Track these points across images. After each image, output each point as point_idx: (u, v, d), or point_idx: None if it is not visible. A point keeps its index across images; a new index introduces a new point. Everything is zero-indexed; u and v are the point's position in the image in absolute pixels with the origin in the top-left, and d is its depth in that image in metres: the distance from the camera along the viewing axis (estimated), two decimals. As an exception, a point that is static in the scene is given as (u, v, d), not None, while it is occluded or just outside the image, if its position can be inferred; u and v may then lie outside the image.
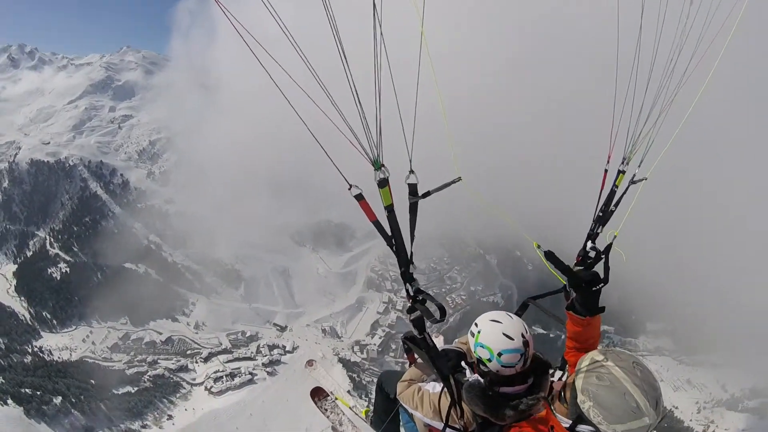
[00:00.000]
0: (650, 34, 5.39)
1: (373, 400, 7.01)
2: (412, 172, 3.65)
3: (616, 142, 5.56)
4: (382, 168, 3.48)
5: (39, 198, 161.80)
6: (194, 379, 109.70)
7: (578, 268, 5.14)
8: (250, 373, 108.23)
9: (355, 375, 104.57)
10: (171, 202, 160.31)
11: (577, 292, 4.77)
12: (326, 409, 9.21)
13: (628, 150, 5.60)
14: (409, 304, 3.93)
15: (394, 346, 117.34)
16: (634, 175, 5.69)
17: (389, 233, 3.69)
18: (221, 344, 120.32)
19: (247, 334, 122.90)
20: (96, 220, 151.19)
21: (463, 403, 4.10)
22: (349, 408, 8.91)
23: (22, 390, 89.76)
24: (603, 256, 5.06)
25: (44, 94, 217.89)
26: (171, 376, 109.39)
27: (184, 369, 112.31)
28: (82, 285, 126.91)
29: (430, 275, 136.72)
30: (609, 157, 5.61)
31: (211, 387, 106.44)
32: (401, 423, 5.94)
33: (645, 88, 5.46)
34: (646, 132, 5.54)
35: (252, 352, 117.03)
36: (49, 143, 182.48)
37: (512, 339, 3.75)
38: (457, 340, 4.89)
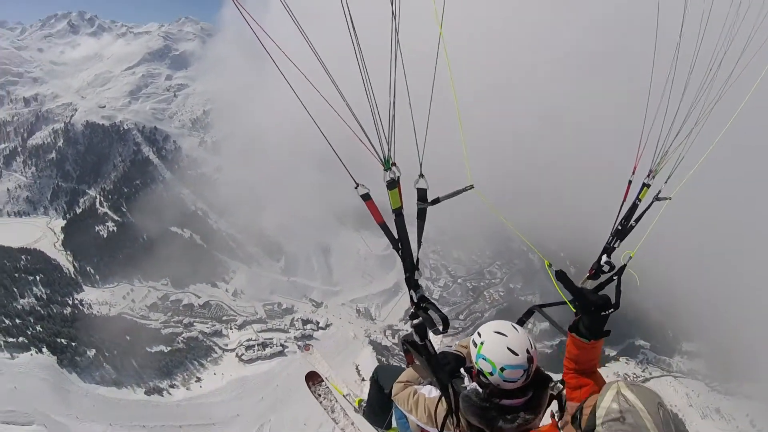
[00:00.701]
0: (692, 37, 5.27)
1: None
2: (421, 176, 3.58)
3: (644, 153, 5.34)
4: (393, 168, 3.40)
5: (92, 158, 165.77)
6: (227, 345, 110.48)
7: (589, 282, 5.08)
8: (282, 345, 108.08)
9: (384, 359, 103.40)
10: (220, 171, 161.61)
11: (584, 315, 4.48)
12: (319, 395, 9.37)
13: (656, 163, 5.37)
14: (412, 310, 3.82)
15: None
16: (660, 191, 5.47)
17: (396, 237, 3.58)
18: (257, 313, 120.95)
19: (283, 306, 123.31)
20: (146, 184, 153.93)
21: (459, 412, 3.97)
22: (343, 396, 8.96)
23: (58, 340, 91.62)
24: (615, 278, 4.92)
25: (102, 60, 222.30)
26: (204, 339, 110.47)
27: (218, 334, 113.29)
28: (128, 244, 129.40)
29: (470, 267, 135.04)
30: (634, 168, 5.42)
31: (242, 354, 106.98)
32: (395, 418, 5.84)
33: (680, 96, 5.21)
34: (678, 145, 5.29)
35: (286, 325, 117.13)
36: (105, 107, 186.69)
37: (516, 354, 3.60)
38: (457, 342, 4.83)
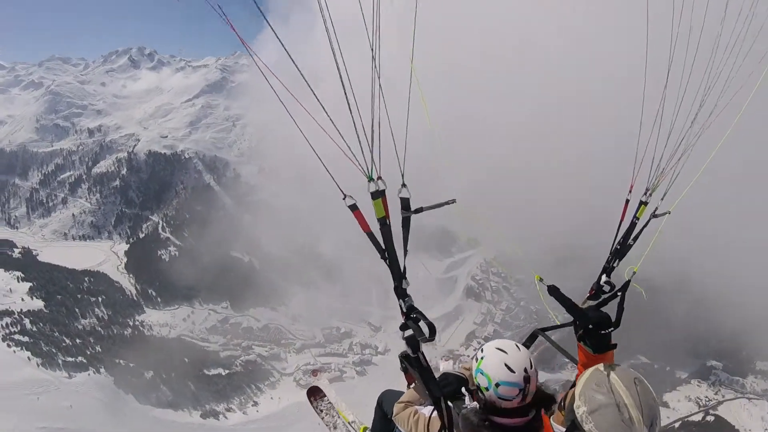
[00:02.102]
0: (683, 57, 5.33)
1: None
2: (404, 186, 3.59)
3: (640, 171, 5.35)
4: (379, 181, 3.45)
5: (154, 186, 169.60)
6: (284, 369, 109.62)
7: (590, 302, 5.04)
8: (340, 370, 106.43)
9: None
10: (278, 197, 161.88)
11: (584, 332, 4.46)
12: (321, 410, 9.17)
13: (652, 181, 5.39)
14: (402, 321, 3.66)
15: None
16: (656, 208, 5.43)
17: (383, 246, 3.59)
18: (315, 337, 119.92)
19: (341, 330, 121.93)
20: (207, 210, 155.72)
21: (455, 430, 3.80)
22: (348, 423, 8.71)
23: (117, 360, 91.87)
24: (619, 294, 4.86)
25: (162, 93, 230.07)
26: (263, 363, 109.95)
27: (276, 357, 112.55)
28: (189, 268, 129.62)
29: (532, 289, 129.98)
30: (631, 186, 5.42)
31: (300, 379, 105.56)
32: None
33: (673, 116, 5.24)
34: (674, 163, 5.30)
35: (344, 349, 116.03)
36: (167, 137, 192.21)
37: (513, 372, 3.59)
38: (460, 365, 4.61)
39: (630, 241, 5.30)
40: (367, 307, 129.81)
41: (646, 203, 5.37)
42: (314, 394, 9.41)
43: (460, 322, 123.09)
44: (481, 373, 3.65)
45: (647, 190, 5.37)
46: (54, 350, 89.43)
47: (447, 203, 3.97)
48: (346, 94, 3.22)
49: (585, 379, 3.44)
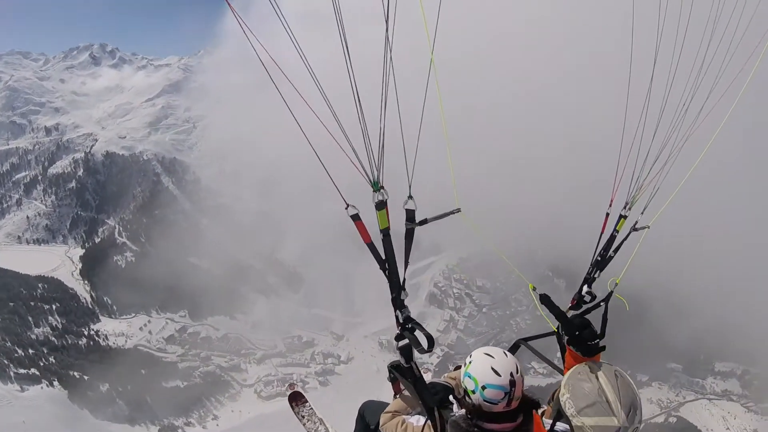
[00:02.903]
0: (664, 73, 5.48)
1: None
2: (410, 197, 3.65)
3: (620, 186, 5.50)
4: (381, 190, 3.52)
5: (111, 188, 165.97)
6: (245, 380, 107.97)
7: (572, 312, 5.08)
8: (302, 381, 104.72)
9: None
10: (239, 201, 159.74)
11: (570, 339, 4.55)
12: (303, 416, 9.07)
13: (632, 195, 5.54)
14: (397, 332, 3.87)
15: (451, 367, 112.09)
16: (636, 221, 5.58)
17: (383, 257, 3.67)
18: (276, 347, 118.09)
19: (303, 339, 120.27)
20: (165, 214, 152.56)
21: None
22: None
23: (71, 372, 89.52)
24: (602, 304, 5.03)
25: (123, 92, 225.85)
26: (222, 374, 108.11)
27: (236, 368, 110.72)
28: (146, 275, 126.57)
29: (495, 295, 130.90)
30: (611, 200, 5.55)
31: (261, 391, 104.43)
32: None
33: (654, 130, 5.44)
34: (652, 177, 5.47)
35: (306, 359, 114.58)
36: (125, 137, 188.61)
37: (499, 375, 3.60)
38: (446, 374, 4.70)
39: (611, 252, 5.43)
40: (329, 315, 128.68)
41: (625, 216, 5.49)
42: (296, 399, 9.26)
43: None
44: (469, 377, 3.62)
45: (626, 203, 5.49)
46: (6, 361, 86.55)
47: (452, 213, 4.07)
48: (357, 103, 3.21)
49: (570, 372, 3.72)
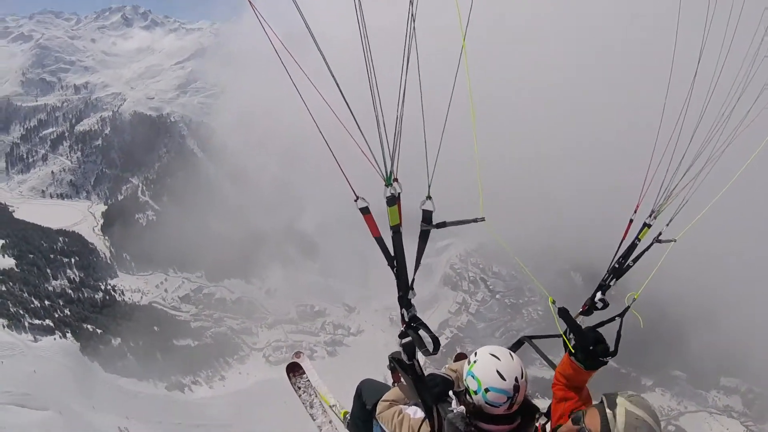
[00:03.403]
0: (709, 71, 5.28)
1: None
2: (429, 198, 3.52)
3: (647, 192, 5.33)
4: (395, 184, 3.35)
5: (137, 148, 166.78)
6: (255, 344, 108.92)
7: (581, 318, 5.12)
8: (311, 349, 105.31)
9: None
10: (263, 169, 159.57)
11: (582, 351, 4.41)
12: (299, 387, 9.07)
13: (659, 203, 5.36)
14: (402, 329, 3.77)
15: (458, 349, 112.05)
16: (660, 233, 5.42)
17: (392, 254, 3.53)
18: (288, 313, 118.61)
19: (315, 309, 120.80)
20: (189, 176, 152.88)
21: None
22: (330, 406, 8.50)
23: (85, 325, 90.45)
24: (617, 319, 4.88)
25: (153, 53, 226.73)
26: (233, 336, 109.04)
27: (247, 331, 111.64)
28: (166, 234, 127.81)
29: (509, 283, 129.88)
30: (637, 206, 5.39)
31: (270, 356, 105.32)
32: None
33: (691, 135, 5.19)
34: (683, 186, 5.26)
35: (317, 328, 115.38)
36: (153, 98, 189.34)
37: (504, 379, 3.62)
38: (446, 366, 4.77)
39: (629, 262, 5.27)
40: (343, 287, 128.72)
41: (649, 225, 5.34)
42: (293, 370, 9.27)
43: (434, 310, 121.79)
44: (472, 376, 3.62)
45: (652, 212, 5.33)
46: (21, 311, 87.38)
47: (475, 221, 3.88)
48: (371, 76, 2.98)
49: (621, 421, 3.24)
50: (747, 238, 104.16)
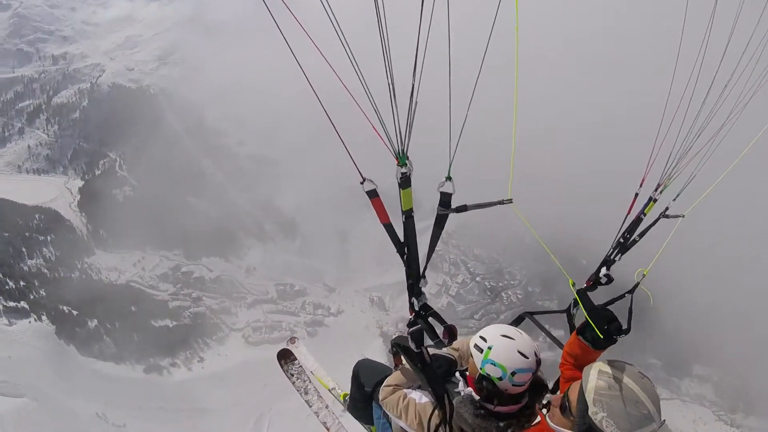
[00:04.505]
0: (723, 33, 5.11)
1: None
2: (449, 179, 3.40)
3: (654, 164, 5.16)
4: (407, 164, 3.19)
5: (115, 121, 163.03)
6: (234, 324, 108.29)
7: (588, 291, 4.97)
8: (291, 330, 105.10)
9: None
10: (243, 144, 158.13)
11: (586, 330, 4.47)
12: (292, 374, 8.85)
13: (666, 177, 5.25)
14: (410, 318, 3.74)
15: (438, 331, 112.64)
16: (668, 207, 5.36)
17: (402, 240, 3.47)
18: (268, 293, 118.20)
19: (295, 288, 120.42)
20: (168, 151, 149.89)
21: (452, 420, 3.93)
22: (329, 390, 8.28)
23: (60, 307, 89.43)
24: (628, 295, 4.96)
25: (134, 23, 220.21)
26: (212, 316, 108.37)
27: (226, 311, 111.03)
28: (144, 211, 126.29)
29: (490, 265, 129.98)
30: (642, 180, 5.31)
31: (249, 336, 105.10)
32: (374, 417, 5.67)
33: (699, 107, 5.00)
34: (690, 159, 5.11)
35: (296, 308, 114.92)
36: (133, 69, 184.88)
37: (527, 358, 3.67)
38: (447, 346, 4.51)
39: (635, 236, 5.21)
40: (323, 267, 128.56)
41: (655, 200, 5.29)
42: (284, 357, 9.18)
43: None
44: (493, 364, 3.62)
45: (659, 185, 5.27)
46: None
47: (501, 203, 3.77)
48: (383, 37, 2.70)
49: (593, 385, 3.44)
50: (722, 229, 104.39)
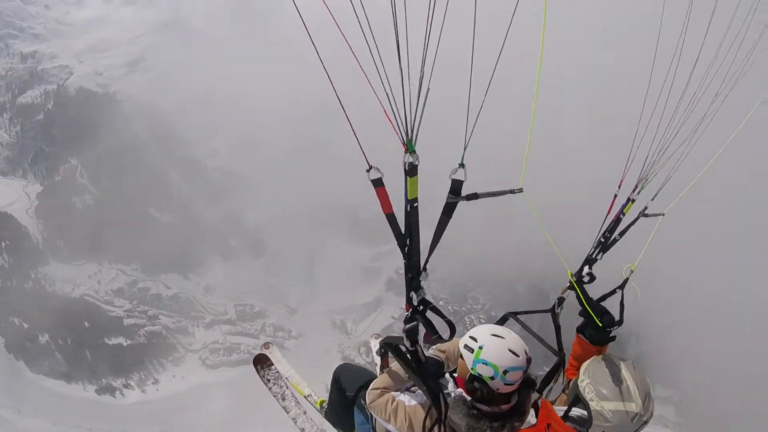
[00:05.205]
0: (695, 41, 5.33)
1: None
2: (462, 166, 3.31)
3: (632, 166, 5.30)
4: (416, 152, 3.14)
5: (80, 126, 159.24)
6: (191, 345, 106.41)
7: (569, 292, 5.18)
8: (249, 353, 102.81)
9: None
10: (212, 157, 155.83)
11: (590, 328, 4.77)
12: (269, 380, 8.75)
13: (643, 178, 5.37)
14: (407, 314, 3.60)
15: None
16: (646, 207, 5.50)
17: (403, 232, 3.35)
18: (227, 313, 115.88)
19: (256, 309, 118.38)
20: (132, 160, 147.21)
21: (446, 420, 3.94)
22: (304, 397, 8.23)
23: (11, 319, 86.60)
24: (618, 291, 5.09)
25: (108, 25, 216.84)
26: (168, 335, 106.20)
27: (183, 331, 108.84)
28: (102, 221, 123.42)
29: (453, 289, 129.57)
30: (621, 180, 5.44)
31: (206, 358, 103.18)
32: (356, 423, 5.63)
33: (674, 107, 5.15)
34: (666, 159, 5.24)
35: (256, 330, 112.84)
36: (102, 74, 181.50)
37: (518, 356, 3.70)
38: (433, 347, 4.71)
39: (616, 236, 5.31)
40: (286, 286, 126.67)
41: (633, 200, 5.37)
42: (260, 362, 9.20)
43: (378, 314, 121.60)
44: (485, 364, 3.61)
45: (636, 186, 5.33)
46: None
47: (512, 192, 3.74)
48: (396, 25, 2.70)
49: (589, 360, 3.93)
50: (684, 243, 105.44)
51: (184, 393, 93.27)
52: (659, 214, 5.48)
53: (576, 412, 3.83)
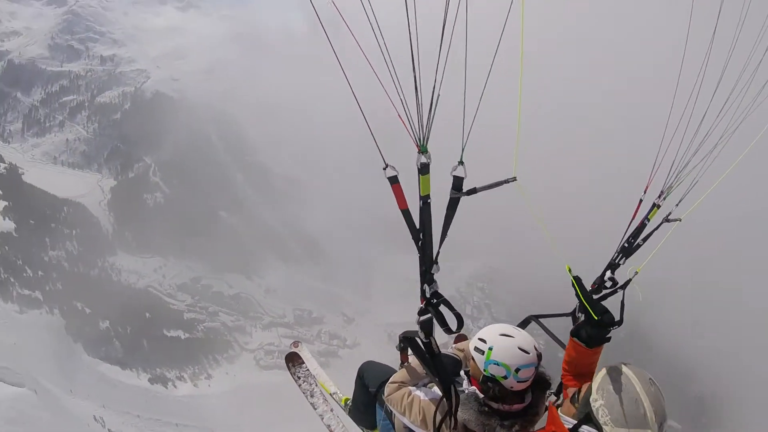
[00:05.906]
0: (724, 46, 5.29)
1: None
2: (461, 163, 3.50)
3: (658, 171, 5.31)
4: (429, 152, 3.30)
5: (154, 127, 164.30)
6: (247, 344, 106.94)
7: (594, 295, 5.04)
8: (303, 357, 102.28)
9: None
10: (278, 163, 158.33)
11: (588, 326, 4.69)
12: (299, 377, 8.71)
13: (668, 184, 5.33)
14: (421, 306, 3.64)
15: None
16: (670, 212, 5.47)
17: (418, 226, 3.45)
18: (285, 316, 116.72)
19: (313, 315, 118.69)
20: (203, 162, 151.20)
21: (457, 415, 3.86)
22: (330, 394, 8.12)
23: (74, 302, 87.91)
24: (620, 291, 5.03)
25: (184, 34, 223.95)
26: (226, 333, 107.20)
27: (240, 330, 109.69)
28: (172, 218, 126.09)
29: (515, 313, 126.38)
30: (647, 186, 5.41)
31: (261, 359, 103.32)
32: (378, 419, 5.60)
33: (701, 118, 5.10)
34: (693, 166, 5.21)
35: (312, 335, 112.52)
36: (178, 80, 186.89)
37: (528, 353, 3.64)
38: (453, 346, 4.66)
39: (639, 240, 5.23)
40: (344, 296, 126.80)
41: (658, 206, 5.31)
42: (292, 360, 9.00)
43: (436, 332, 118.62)
44: (497, 364, 3.56)
45: (662, 192, 5.28)
46: (12, 279, 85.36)
47: (506, 181, 3.84)
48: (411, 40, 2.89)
49: (602, 375, 3.62)
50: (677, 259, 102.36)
51: (235, 392, 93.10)
52: (677, 220, 5.42)
53: (585, 429, 3.60)
